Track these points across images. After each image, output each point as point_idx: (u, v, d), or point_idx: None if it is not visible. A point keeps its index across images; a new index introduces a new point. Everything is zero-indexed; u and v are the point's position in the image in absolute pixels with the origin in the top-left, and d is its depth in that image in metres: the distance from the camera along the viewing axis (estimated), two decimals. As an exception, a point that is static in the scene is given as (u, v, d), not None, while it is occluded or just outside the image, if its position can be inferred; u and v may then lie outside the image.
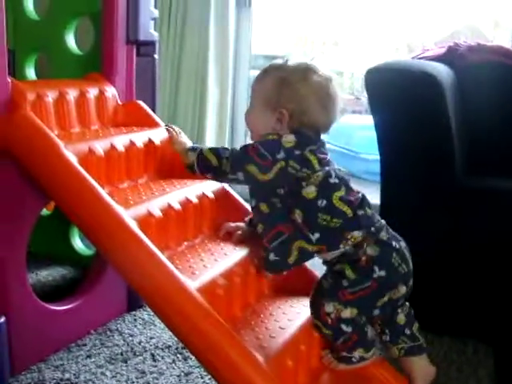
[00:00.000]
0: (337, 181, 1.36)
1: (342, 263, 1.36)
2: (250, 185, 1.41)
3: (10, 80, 1.46)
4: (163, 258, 1.26)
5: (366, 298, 1.35)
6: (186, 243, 1.50)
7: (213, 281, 1.33)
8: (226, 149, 1.40)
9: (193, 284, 1.25)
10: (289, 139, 1.35)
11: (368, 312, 1.38)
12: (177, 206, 1.48)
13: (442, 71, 1.98)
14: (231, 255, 1.46)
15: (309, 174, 1.35)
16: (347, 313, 1.34)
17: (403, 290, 1.38)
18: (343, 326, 1.35)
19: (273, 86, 1.41)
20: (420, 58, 2.29)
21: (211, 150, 1.40)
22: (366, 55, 5.06)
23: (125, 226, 1.29)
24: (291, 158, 1.34)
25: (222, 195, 1.65)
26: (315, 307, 1.38)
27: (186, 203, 1.52)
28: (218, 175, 1.40)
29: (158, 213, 1.42)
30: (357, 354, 1.39)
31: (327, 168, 1.37)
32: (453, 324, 1.87)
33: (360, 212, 1.35)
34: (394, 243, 1.37)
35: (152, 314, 1.91)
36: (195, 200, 1.55)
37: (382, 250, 1.35)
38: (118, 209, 1.32)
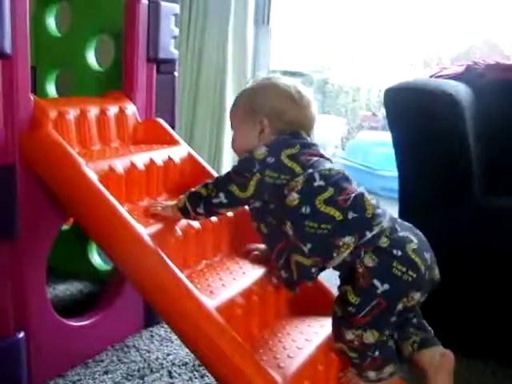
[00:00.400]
0: (322, 183, 1.29)
1: (343, 284, 1.33)
2: (233, 207, 1.40)
3: (32, 98, 1.47)
4: (182, 276, 1.27)
5: (380, 316, 1.27)
6: (204, 262, 1.51)
7: (231, 300, 1.34)
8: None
9: (211, 303, 1.26)
10: (260, 151, 1.35)
11: (387, 327, 1.30)
12: (196, 225, 1.50)
13: (461, 90, 1.98)
14: (250, 274, 1.47)
15: (287, 179, 1.31)
16: (369, 337, 1.27)
17: (417, 296, 1.29)
18: (369, 352, 1.30)
19: (245, 103, 1.44)
20: (438, 77, 2.29)
21: (201, 184, 1.40)
22: (382, 71, 5.07)
23: (144, 244, 1.30)
24: (266, 168, 1.32)
25: (241, 215, 1.65)
26: (338, 333, 1.34)
27: (205, 222, 1.53)
28: (206, 203, 1.37)
29: (177, 231, 1.43)
30: (386, 370, 1.33)
31: (311, 170, 1.31)
32: (471, 344, 1.86)
33: (351, 215, 1.27)
34: (394, 251, 1.27)
35: (169, 330, 1.91)
36: (214, 219, 1.55)
37: (381, 261, 1.26)
38: (138, 227, 1.33)
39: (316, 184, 1.29)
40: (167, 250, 1.34)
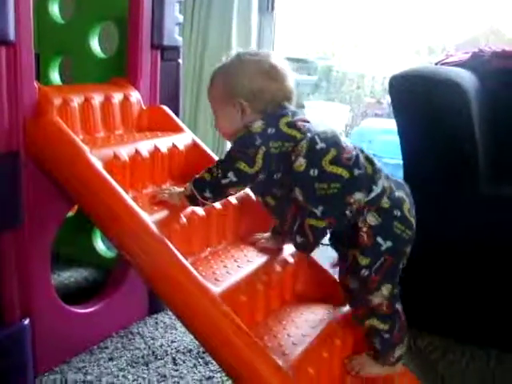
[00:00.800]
0: (323, 145, 1.32)
1: (348, 248, 1.35)
2: (244, 184, 1.38)
3: (36, 85, 1.47)
4: (187, 263, 1.27)
5: (390, 271, 1.34)
6: (209, 249, 1.51)
7: (236, 287, 1.34)
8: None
9: (215, 289, 1.26)
10: (256, 124, 1.34)
11: (397, 282, 1.38)
12: (201, 212, 1.49)
13: (467, 78, 1.97)
14: (254, 262, 1.46)
15: (292, 146, 1.33)
16: (389, 289, 1.34)
17: (409, 250, 1.37)
18: (397, 305, 1.37)
19: (220, 85, 1.42)
20: (443, 64, 2.28)
21: (201, 172, 1.39)
22: (386, 58, 5.04)
23: (149, 230, 1.30)
24: (269, 139, 1.32)
25: (246, 200, 1.65)
26: (365, 306, 1.37)
27: (210, 209, 1.52)
28: (214, 187, 1.36)
29: (182, 218, 1.43)
30: (397, 352, 1.39)
31: (310, 134, 1.33)
32: (477, 332, 1.87)
33: (357, 171, 1.30)
34: (395, 211, 1.33)
35: (173, 317, 1.92)
36: (219, 206, 1.55)
37: (383, 220, 1.32)
38: (143, 214, 1.33)
39: (318, 146, 1.31)
40: (172, 236, 1.34)
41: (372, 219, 1.31)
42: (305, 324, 1.42)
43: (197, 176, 1.39)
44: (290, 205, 1.35)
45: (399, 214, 1.33)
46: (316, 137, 1.33)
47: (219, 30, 2.94)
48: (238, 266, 1.42)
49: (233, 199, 1.60)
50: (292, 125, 1.35)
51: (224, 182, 1.34)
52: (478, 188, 1.82)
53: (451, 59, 2.31)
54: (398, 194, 1.35)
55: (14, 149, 1.42)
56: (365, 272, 1.32)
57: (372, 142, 4.13)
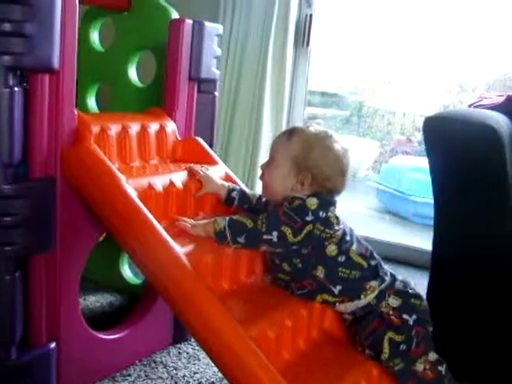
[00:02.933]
0: (349, 238, 1.49)
1: (379, 333, 1.45)
2: (279, 247, 1.45)
3: (76, 112, 1.50)
4: (216, 297, 1.28)
5: (426, 339, 1.48)
6: (238, 283, 1.51)
7: (264, 323, 1.34)
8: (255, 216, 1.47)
9: (244, 325, 1.26)
10: (313, 202, 1.44)
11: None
12: (231, 245, 1.50)
13: (501, 122, 1.96)
14: (284, 298, 1.47)
15: (331, 233, 1.46)
16: (434, 356, 1.47)
17: (429, 319, 1.51)
18: (440, 368, 1.46)
19: (300, 148, 1.49)
20: (477, 106, 2.27)
21: (240, 215, 1.48)
22: (417, 95, 5.05)
23: (180, 262, 1.31)
24: (318, 221, 1.44)
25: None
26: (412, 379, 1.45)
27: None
28: (252, 236, 1.43)
29: (213, 252, 1.43)
30: None
31: (341, 226, 1.48)
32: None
33: (373, 262, 1.50)
34: (409, 290, 1.50)
35: (197, 348, 1.92)
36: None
37: (404, 300, 1.47)
38: (174, 245, 1.34)
39: (347, 238, 1.48)
40: (202, 270, 1.35)
41: (393, 301, 1.47)
42: (333, 363, 1.42)
43: (234, 217, 1.45)
44: (305, 278, 1.48)
45: (412, 291, 1.50)
46: (346, 229, 1.50)
47: (255, 64, 2.96)
48: (266, 302, 1.42)
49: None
50: (335, 215, 1.48)
51: (265, 237, 1.42)
52: (508, 231, 1.80)
53: (485, 102, 2.31)
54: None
55: (50, 174, 1.45)
56: (403, 347, 1.43)
57: (400, 180, 4.13)
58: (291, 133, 1.52)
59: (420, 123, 4.87)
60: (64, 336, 1.57)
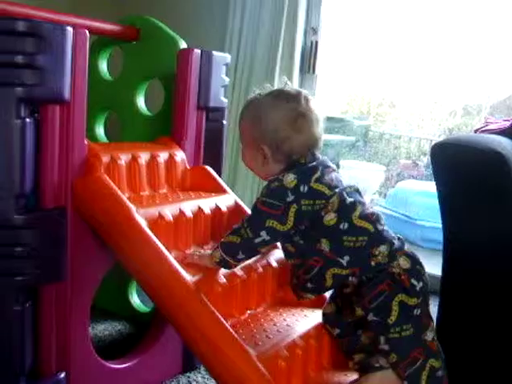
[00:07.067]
0: (351, 200, 1.38)
1: (392, 294, 1.34)
2: (276, 240, 1.42)
3: (86, 142, 1.51)
4: (227, 325, 1.28)
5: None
6: (248, 312, 1.51)
7: (275, 351, 1.33)
8: (237, 224, 1.43)
9: (255, 353, 1.26)
10: (290, 179, 1.36)
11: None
12: (241, 274, 1.50)
13: (508, 147, 1.96)
14: (293, 326, 1.46)
15: (324, 203, 1.36)
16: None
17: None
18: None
19: (249, 125, 1.46)
20: (483, 131, 2.28)
21: (226, 236, 1.43)
22: (422, 119, 5.07)
23: (191, 292, 1.31)
24: (301, 197, 1.35)
25: (285, 262, 1.65)
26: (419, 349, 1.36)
27: (250, 271, 1.53)
28: (247, 248, 1.40)
29: (223, 281, 1.44)
30: None
31: (337, 190, 1.38)
32: None
33: (380, 227, 1.38)
34: (416, 256, 1.41)
35: (206, 376, 1.91)
36: (260, 269, 1.56)
37: (413, 263, 1.38)
38: (185, 275, 1.34)
39: (348, 202, 1.37)
40: (212, 298, 1.35)
41: (404, 263, 1.36)
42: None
43: (223, 241, 1.42)
44: (311, 255, 1.38)
45: (418, 258, 1.41)
46: (344, 193, 1.38)
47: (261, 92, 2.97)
48: (278, 331, 1.42)
49: (273, 261, 1.61)
50: (321, 181, 1.38)
51: (257, 241, 1.37)
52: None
53: (491, 126, 2.31)
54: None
55: (61, 204, 1.45)
56: (417, 311, 1.35)
57: (408, 204, 4.12)
58: (243, 110, 1.50)
59: (426, 147, 4.90)
60: (73, 366, 1.56)
